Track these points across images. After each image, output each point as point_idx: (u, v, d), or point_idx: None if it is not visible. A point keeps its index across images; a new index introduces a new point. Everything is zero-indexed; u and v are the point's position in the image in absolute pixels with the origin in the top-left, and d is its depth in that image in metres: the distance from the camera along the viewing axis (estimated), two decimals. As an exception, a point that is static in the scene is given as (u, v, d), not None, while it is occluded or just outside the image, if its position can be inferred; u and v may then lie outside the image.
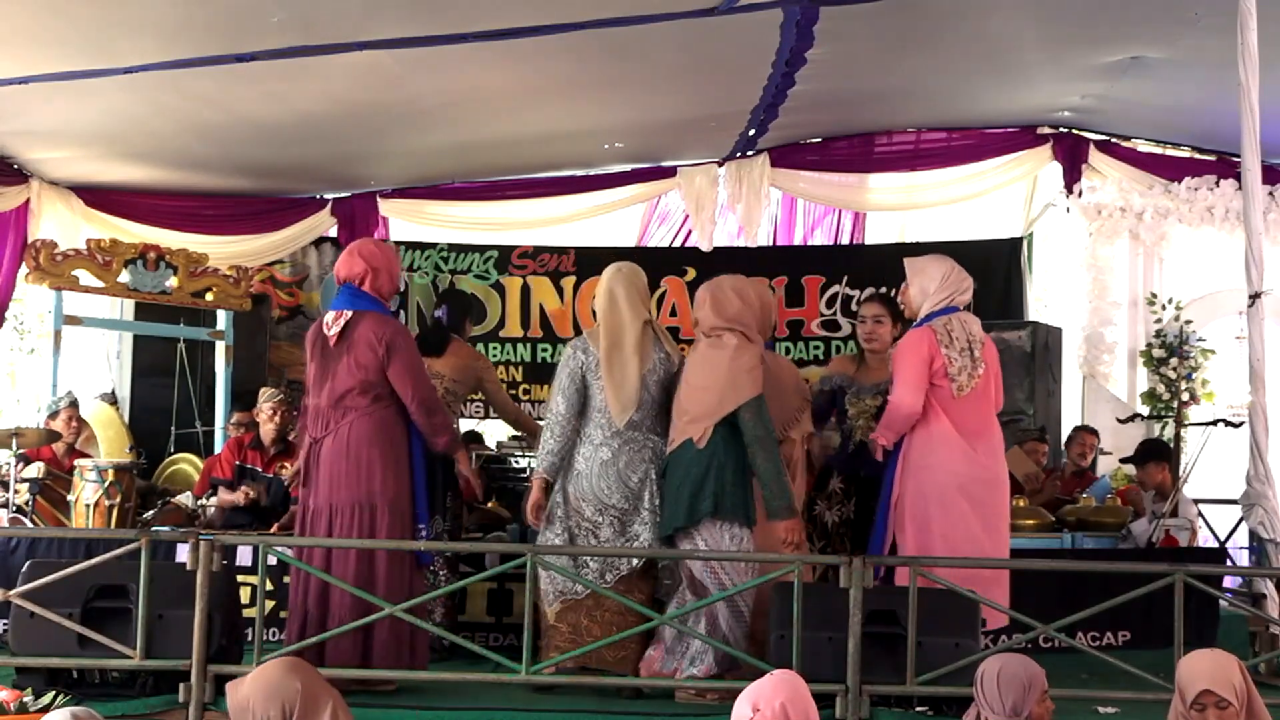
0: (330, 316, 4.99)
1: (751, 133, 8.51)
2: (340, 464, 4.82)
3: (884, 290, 9.05)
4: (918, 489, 4.92)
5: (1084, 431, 8.10)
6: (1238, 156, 5.82)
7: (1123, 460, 7.77)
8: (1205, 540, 7.17)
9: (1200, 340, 8.39)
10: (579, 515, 4.91)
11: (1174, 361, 8.26)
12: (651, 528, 4.87)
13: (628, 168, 9.17)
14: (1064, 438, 8.37)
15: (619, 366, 4.90)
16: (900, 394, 4.97)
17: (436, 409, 5.00)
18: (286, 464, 6.69)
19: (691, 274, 9.28)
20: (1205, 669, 3.32)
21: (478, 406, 9.42)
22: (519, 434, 7.60)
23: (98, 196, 8.18)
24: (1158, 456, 7.30)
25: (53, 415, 7.35)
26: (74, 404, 7.46)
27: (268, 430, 6.78)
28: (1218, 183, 8.83)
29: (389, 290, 5.10)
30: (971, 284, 5.15)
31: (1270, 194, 8.54)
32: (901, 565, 4.61)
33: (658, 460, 4.91)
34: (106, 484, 6.23)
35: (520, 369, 9.61)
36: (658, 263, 9.62)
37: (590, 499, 4.89)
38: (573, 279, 9.54)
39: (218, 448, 7.65)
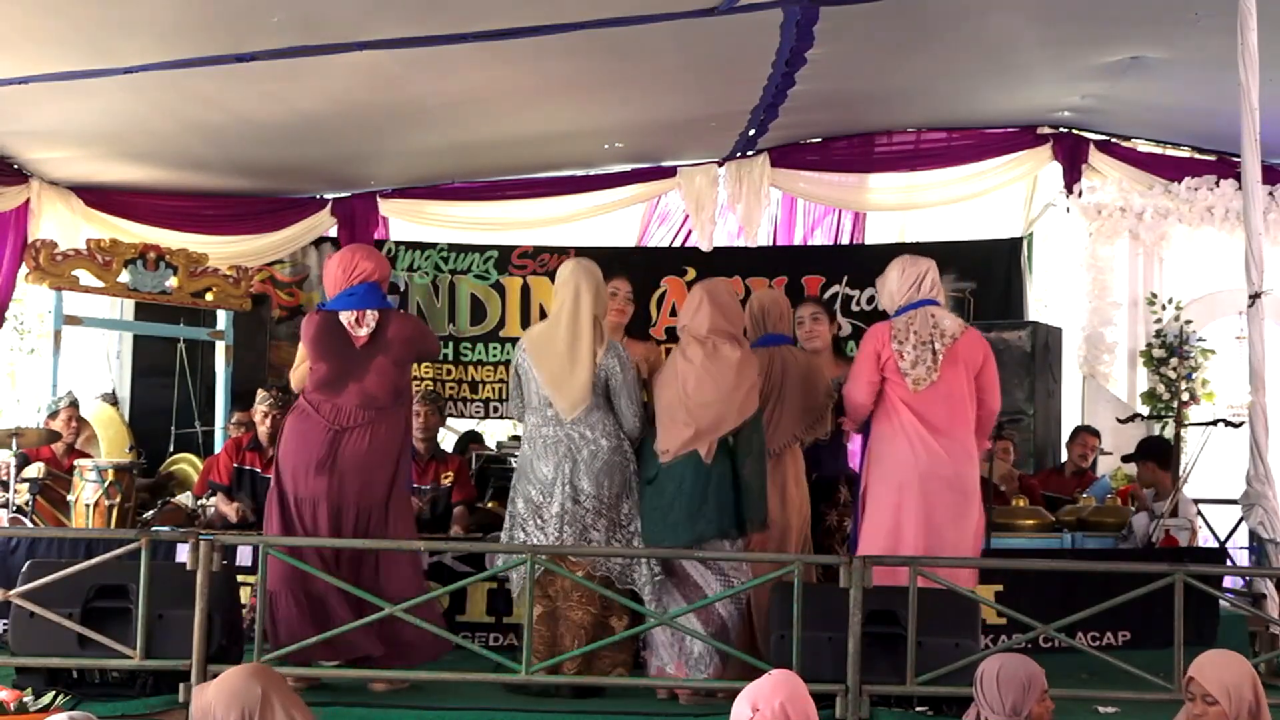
0: (351, 316, 4.93)
1: (751, 133, 8.51)
2: (374, 461, 4.88)
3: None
4: (876, 482, 4.95)
5: (1085, 432, 8.07)
6: (1238, 156, 5.82)
7: (1124, 458, 7.78)
8: (1205, 540, 7.17)
9: (1200, 340, 8.38)
10: (513, 507, 5.05)
11: (1174, 361, 8.26)
12: (557, 520, 4.86)
13: (628, 168, 9.16)
14: (1064, 438, 8.37)
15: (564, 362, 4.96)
16: (847, 386, 5.09)
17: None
18: None
19: (691, 274, 9.27)
20: (1208, 663, 3.34)
21: (478, 406, 9.45)
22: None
23: (98, 196, 8.17)
24: (1153, 455, 7.30)
25: (52, 415, 7.35)
26: (74, 404, 7.46)
27: (263, 431, 6.77)
28: (1218, 183, 8.83)
29: (386, 290, 5.22)
30: (930, 267, 5.07)
31: (1270, 194, 8.53)
32: (900, 565, 4.60)
33: (570, 455, 4.88)
34: (106, 484, 6.23)
35: (520, 369, 9.61)
36: (658, 263, 9.64)
37: (520, 493, 5.03)
38: (572, 279, 9.53)
39: (218, 448, 7.65)
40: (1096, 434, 8.05)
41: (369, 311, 4.94)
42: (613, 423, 4.96)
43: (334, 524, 4.83)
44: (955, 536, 4.88)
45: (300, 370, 5.29)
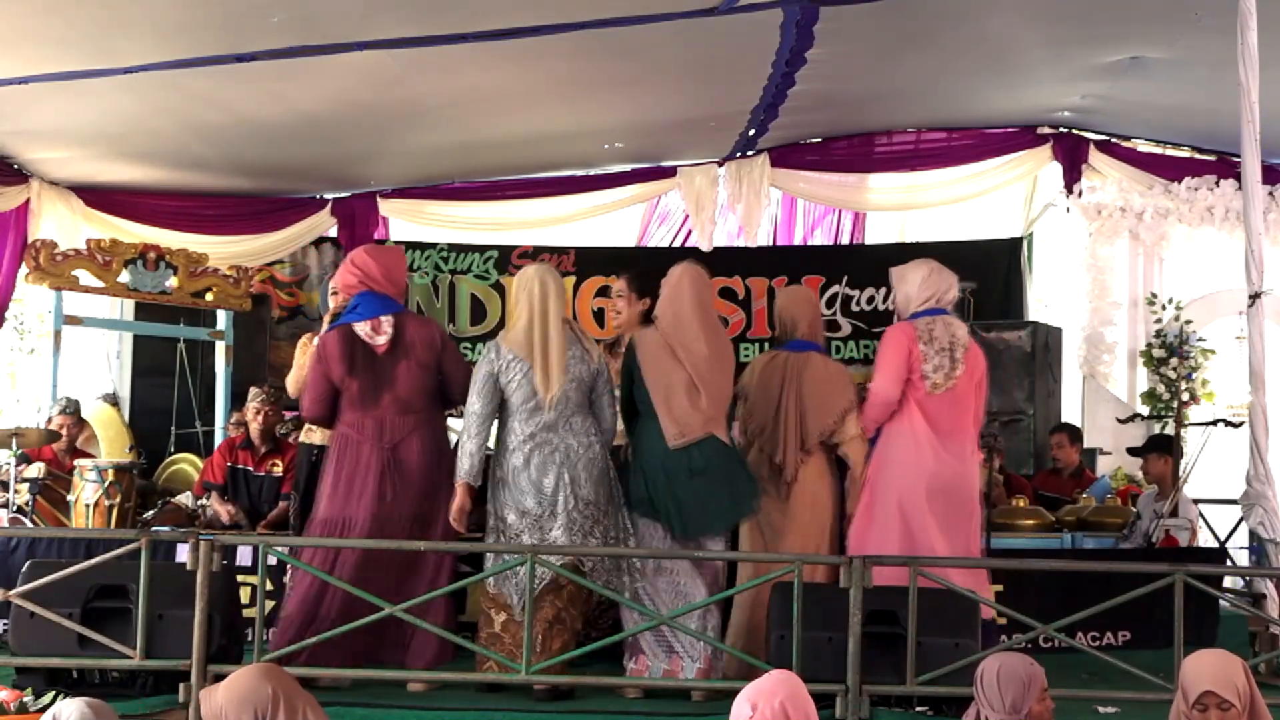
0: (367, 326, 4.90)
1: (751, 133, 8.51)
2: (435, 475, 4.87)
3: (883, 291, 9.20)
4: (884, 483, 4.98)
5: (1057, 431, 7.95)
6: (1238, 156, 5.82)
7: (1130, 450, 7.77)
8: (1205, 540, 7.17)
9: (1200, 340, 8.39)
10: (502, 523, 4.82)
11: (1174, 361, 8.26)
12: (565, 530, 4.72)
13: (628, 168, 9.17)
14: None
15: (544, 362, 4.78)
16: (878, 383, 5.08)
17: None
18: (278, 461, 6.70)
19: (692, 274, 9.26)
20: (1208, 669, 3.31)
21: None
22: None
23: (98, 196, 8.18)
24: (1161, 448, 7.31)
25: (50, 419, 7.34)
26: (67, 411, 7.33)
27: (254, 428, 6.76)
28: (1218, 183, 8.84)
29: (395, 292, 5.10)
30: (954, 282, 5.18)
31: (1270, 194, 8.54)
32: (900, 565, 4.60)
33: (569, 464, 4.75)
34: (106, 484, 6.23)
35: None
36: (658, 263, 9.61)
37: (510, 505, 4.80)
38: (573, 279, 9.52)
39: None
40: (1067, 430, 7.92)
41: (384, 318, 4.93)
42: (596, 426, 4.88)
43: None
44: (963, 537, 4.95)
45: (295, 376, 5.23)
